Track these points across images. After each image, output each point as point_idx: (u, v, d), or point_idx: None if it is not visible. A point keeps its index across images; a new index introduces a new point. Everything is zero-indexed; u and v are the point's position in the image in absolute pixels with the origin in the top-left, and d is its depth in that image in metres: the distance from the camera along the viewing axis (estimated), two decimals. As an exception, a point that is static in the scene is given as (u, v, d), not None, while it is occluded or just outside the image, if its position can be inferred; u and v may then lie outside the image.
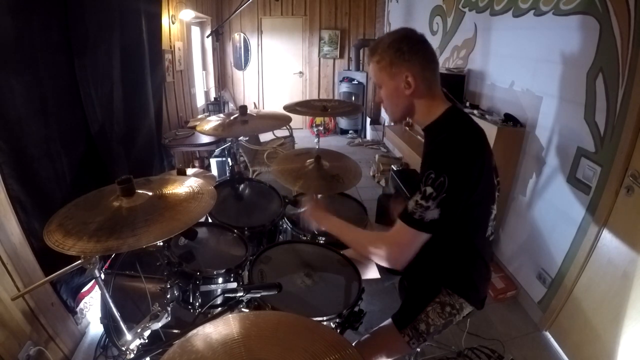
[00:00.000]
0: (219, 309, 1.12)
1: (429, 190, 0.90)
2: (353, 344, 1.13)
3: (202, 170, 2.97)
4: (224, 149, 3.20)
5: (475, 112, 2.50)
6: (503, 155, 2.16)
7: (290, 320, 0.75)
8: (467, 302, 1.14)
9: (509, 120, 2.22)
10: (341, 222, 1.17)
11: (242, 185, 1.89)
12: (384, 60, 1.01)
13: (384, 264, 1.01)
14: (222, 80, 5.78)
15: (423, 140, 1.24)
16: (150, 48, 2.59)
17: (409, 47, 0.98)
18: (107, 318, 1.29)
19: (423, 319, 1.13)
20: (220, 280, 1.23)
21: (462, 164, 0.92)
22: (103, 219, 0.90)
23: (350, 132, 5.87)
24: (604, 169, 1.59)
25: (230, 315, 0.74)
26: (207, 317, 1.07)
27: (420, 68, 0.99)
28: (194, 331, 0.69)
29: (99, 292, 1.26)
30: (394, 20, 4.94)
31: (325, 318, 1.07)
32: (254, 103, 5.84)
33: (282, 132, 3.82)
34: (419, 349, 1.39)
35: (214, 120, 1.81)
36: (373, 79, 1.09)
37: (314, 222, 1.26)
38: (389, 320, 1.18)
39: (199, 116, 4.16)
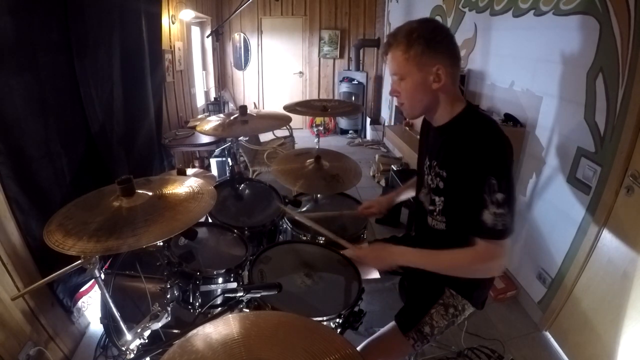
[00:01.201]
0: (219, 309, 1.12)
1: (500, 196, 0.86)
2: (358, 348, 1.14)
3: (202, 170, 2.98)
4: (224, 149, 3.19)
5: (475, 112, 2.50)
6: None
7: (290, 320, 0.75)
8: (469, 303, 1.14)
9: (509, 120, 2.22)
10: (417, 252, 1.04)
11: (242, 185, 1.89)
12: (413, 49, 0.93)
13: (487, 277, 0.99)
14: (222, 80, 5.78)
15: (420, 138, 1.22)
16: (150, 48, 2.59)
17: (442, 38, 0.94)
18: (107, 318, 1.29)
19: (427, 322, 1.12)
20: (220, 280, 1.23)
21: (509, 160, 0.92)
22: (103, 219, 0.90)
23: (350, 132, 5.87)
24: (604, 169, 1.59)
25: (230, 315, 0.74)
26: (207, 317, 1.07)
27: (450, 62, 0.95)
28: (194, 331, 0.69)
29: (99, 292, 1.26)
30: (394, 20, 4.94)
31: (325, 318, 1.07)
32: (254, 103, 5.84)
33: (282, 132, 3.82)
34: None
35: (214, 120, 1.81)
36: (394, 70, 1.00)
37: (381, 265, 1.14)
38: (392, 324, 1.17)
39: (199, 116, 4.16)
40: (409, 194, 1.44)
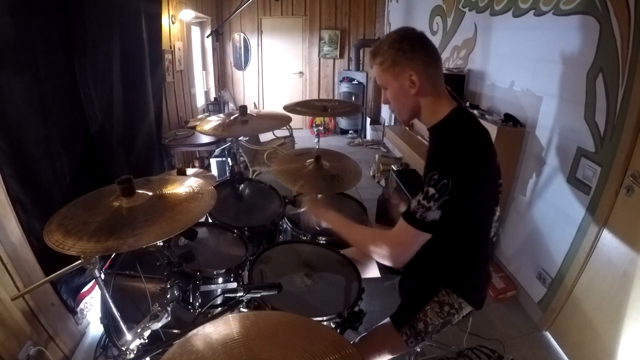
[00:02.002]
0: (219, 309, 1.12)
1: (432, 191, 0.90)
2: (351, 343, 1.14)
3: (202, 170, 2.98)
4: (224, 149, 3.19)
5: (476, 112, 2.49)
6: (503, 155, 2.11)
7: (290, 320, 0.75)
8: (466, 302, 1.14)
9: (509, 120, 2.22)
10: (343, 219, 1.16)
11: (242, 185, 1.89)
12: (386, 62, 1.01)
13: (384, 262, 1.00)
14: (222, 80, 5.78)
15: (424, 141, 1.25)
16: (150, 48, 2.59)
17: (410, 46, 0.98)
18: (107, 318, 1.29)
19: (421, 318, 1.13)
20: (220, 280, 1.23)
21: (467, 167, 0.91)
22: (103, 219, 0.90)
23: (350, 132, 5.87)
24: (604, 169, 1.59)
25: (230, 315, 0.74)
26: (207, 317, 1.07)
27: (424, 66, 0.98)
28: (194, 331, 0.69)
29: (99, 292, 1.26)
30: (394, 20, 4.94)
31: (325, 318, 1.07)
32: (254, 103, 5.84)
33: (282, 132, 3.82)
34: (418, 349, 1.39)
35: (214, 120, 1.80)
36: (378, 82, 1.09)
37: (315, 219, 1.26)
38: (387, 319, 1.18)
39: (199, 116, 4.16)
40: None
